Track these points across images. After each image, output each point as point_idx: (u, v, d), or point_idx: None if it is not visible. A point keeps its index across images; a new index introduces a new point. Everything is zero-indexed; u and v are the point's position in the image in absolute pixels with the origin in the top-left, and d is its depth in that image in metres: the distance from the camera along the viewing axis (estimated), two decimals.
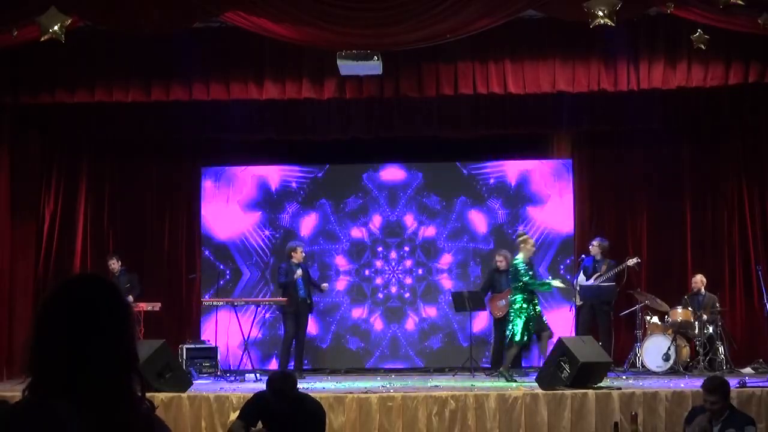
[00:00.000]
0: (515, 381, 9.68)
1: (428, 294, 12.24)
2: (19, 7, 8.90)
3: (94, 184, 12.29)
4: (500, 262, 11.19)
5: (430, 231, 12.32)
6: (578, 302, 11.12)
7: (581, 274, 11.19)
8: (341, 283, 12.29)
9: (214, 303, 11.30)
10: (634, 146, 12.26)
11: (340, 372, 11.61)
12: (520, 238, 10.26)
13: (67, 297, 1.92)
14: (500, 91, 10.08)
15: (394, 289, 12.25)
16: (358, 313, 12.25)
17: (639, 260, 11.13)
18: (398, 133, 11.69)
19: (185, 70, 10.11)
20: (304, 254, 11.12)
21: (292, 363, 10.84)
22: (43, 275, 11.89)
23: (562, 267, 12.14)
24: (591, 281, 11.01)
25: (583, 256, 11.43)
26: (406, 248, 12.31)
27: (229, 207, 12.40)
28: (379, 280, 12.30)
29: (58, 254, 12.03)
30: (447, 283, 12.22)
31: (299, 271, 10.75)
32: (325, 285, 11.13)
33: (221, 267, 12.12)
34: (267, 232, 12.38)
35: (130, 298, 10.93)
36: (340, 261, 12.36)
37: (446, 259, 12.29)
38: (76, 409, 1.82)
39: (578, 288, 11.05)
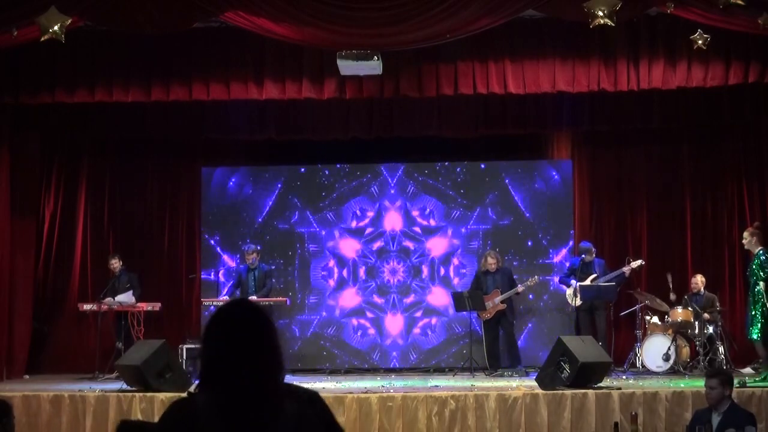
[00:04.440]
0: None
1: (428, 293, 12.22)
2: (19, 7, 8.90)
3: (94, 184, 12.29)
4: (491, 264, 11.17)
5: (429, 231, 12.30)
6: (577, 302, 11.09)
7: (571, 273, 11.22)
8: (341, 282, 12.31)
9: (214, 303, 11.30)
10: (634, 146, 12.26)
11: (340, 372, 11.61)
12: (756, 230, 10.21)
13: (219, 318, 2.40)
14: (500, 91, 10.08)
15: (394, 289, 12.24)
16: (357, 312, 12.24)
17: (642, 262, 11.10)
18: (398, 133, 11.69)
19: (185, 70, 10.11)
20: (256, 256, 11.28)
21: None
22: (43, 275, 11.90)
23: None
24: (587, 282, 11.00)
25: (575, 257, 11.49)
26: (407, 248, 12.29)
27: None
28: (378, 280, 12.29)
29: (58, 254, 12.04)
30: (447, 282, 12.20)
31: (250, 274, 11.11)
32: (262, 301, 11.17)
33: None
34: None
35: (133, 299, 10.95)
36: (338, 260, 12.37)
37: (446, 259, 12.28)
38: (217, 403, 2.27)
39: (578, 288, 11.03)
